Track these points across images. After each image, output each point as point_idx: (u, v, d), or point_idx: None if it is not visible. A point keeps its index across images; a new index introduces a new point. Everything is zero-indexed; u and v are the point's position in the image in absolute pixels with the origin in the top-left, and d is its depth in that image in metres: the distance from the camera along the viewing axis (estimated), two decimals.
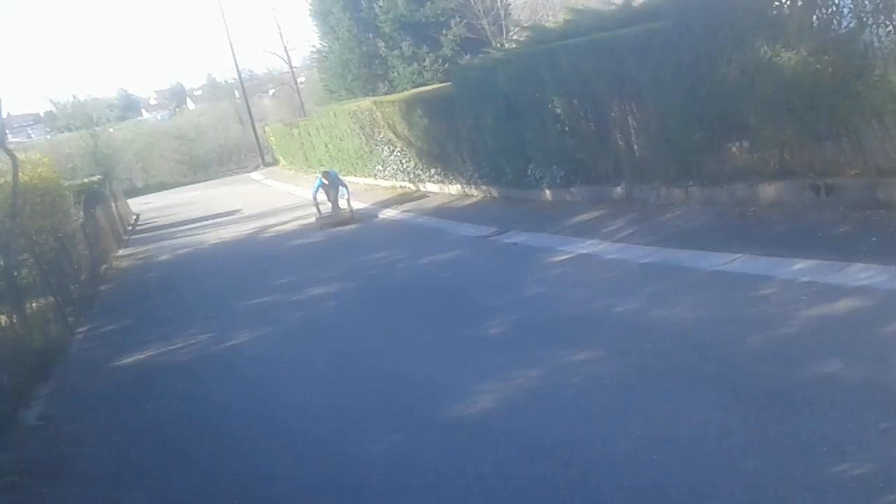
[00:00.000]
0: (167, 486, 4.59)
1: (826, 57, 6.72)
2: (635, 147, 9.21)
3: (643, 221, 8.26)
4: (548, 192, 10.79)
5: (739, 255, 6.19)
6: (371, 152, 17.38)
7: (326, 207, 14.08)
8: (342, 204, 13.97)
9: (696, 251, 6.68)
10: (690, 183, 8.34)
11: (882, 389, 3.54)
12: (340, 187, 14.06)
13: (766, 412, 3.62)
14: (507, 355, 5.37)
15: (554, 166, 10.52)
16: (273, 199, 20.82)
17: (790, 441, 3.32)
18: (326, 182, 13.97)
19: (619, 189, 9.42)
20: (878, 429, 3.23)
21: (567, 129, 10.21)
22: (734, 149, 8.30)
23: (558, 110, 10.15)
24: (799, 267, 5.52)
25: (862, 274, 5.08)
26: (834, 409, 3.47)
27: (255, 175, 32.50)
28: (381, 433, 4.59)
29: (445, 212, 12.43)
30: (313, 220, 13.97)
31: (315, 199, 13.96)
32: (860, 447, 3.13)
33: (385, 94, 19.62)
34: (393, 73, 21.39)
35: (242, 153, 40.97)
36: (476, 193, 12.92)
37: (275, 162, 33.58)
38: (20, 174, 10.79)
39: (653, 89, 8.56)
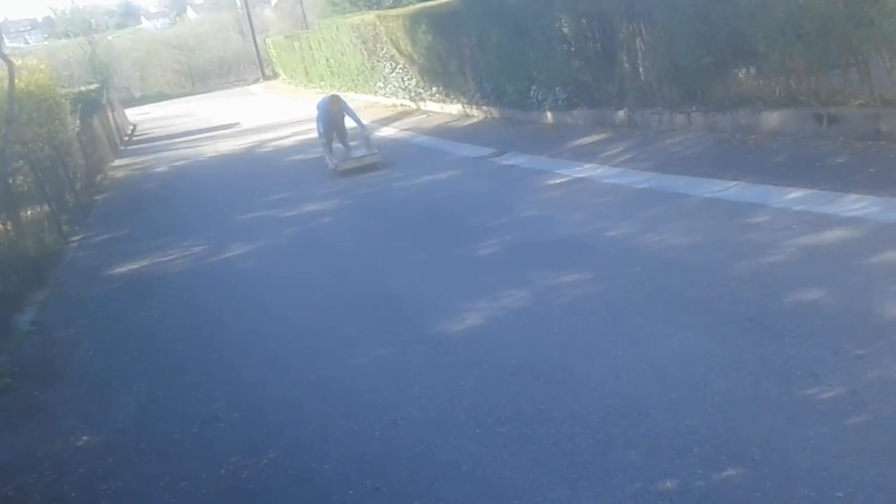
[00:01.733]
0: (157, 392, 4.68)
1: None
2: (641, 70, 9.02)
3: (643, 146, 8.17)
4: (549, 114, 10.64)
5: (736, 182, 6.14)
6: (373, 69, 17.06)
7: (340, 150, 10.94)
8: (357, 144, 10.88)
9: (693, 178, 6.63)
10: (693, 108, 8.22)
11: (861, 318, 3.57)
12: (350, 117, 10.66)
13: (746, 337, 3.66)
14: (497, 275, 5.40)
15: (557, 88, 10.34)
16: (272, 113, 20.55)
17: (766, 365, 3.37)
18: (334, 110, 10.61)
19: (621, 113, 9.28)
20: (853, 355, 3.27)
21: (573, 49, 9.97)
22: (740, 74, 8.15)
23: (565, 30, 9.89)
24: (794, 196, 5.50)
25: (856, 205, 5.06)
26: (812, 336, 3.51)
27: (254, 88, 32.02)
28: (369, 347, 4.65)
29: (445, 131, 12.29)
30: (327, 164, 10.64)
31: (321, 135, 10.63)
32: (833, 372, 3.18)
33: (390, 7, 19.12)
34: None
35: (242, 65, 40.22)
36: (477, 114, 12.75)
37: (275, 75, 33.00)
38: (17, 80, 10.62)
39: (664, 10, 8.33)
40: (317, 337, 5.01)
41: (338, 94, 12.08)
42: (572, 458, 3.04)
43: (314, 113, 11.10)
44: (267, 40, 34.87)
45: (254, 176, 12.02)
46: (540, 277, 5.14)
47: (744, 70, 8.12)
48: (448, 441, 3.41)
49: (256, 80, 35.13)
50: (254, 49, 36.84)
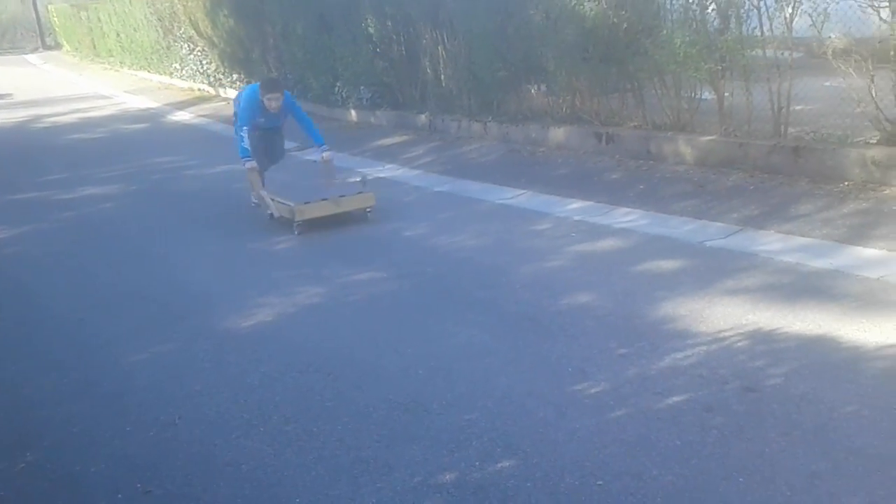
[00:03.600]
0: None
1: (623, 12, 7.12)
2: (442, 77, 9.31)
3: (442, 151, 8.42)
4: (353, 112, 10.65)
5: (524, 191, 6.52)
6: (168, 48, 16.14)
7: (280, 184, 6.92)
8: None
9: (486, 184, 6.95)
10: (490, 118, 8.60)
11: (625, 320, 3.92)
12: (298, 122, 6.70)
13: (525, 336, 3.88)
14: (292, 271, 5.30)
15: (362, 87, 10.38)
16: (51, 86, 18.76)
17: (541, 362, 3.59)
18: (272, 107, 6.27)
19: (423, 117, 9.51)
20: (617, 354, 3.57)
21: (378, 50, 10.07)
22: (533, 90, 8.66)
23: (371, 30, 9.96)
24: (574, 206, 5.93)
25: (626, 217, 5.55)
26: (583, 336, 3.80)
27: (31, 58, 29.04)
28: (149, 342, 4.37)
29: None
30: (254, 203, 6.85)
31: (247, 153, 6.32)
32: (599, 369, 3.45)
33: None
34: None
35: (19, 32, 36.29)
36: None
37: (57, 46, 30.17)
38: None
39: (464, 21, 8.64)
40: (89, 331, 4.63)
41: (277, 78, 7.08)
42: (356, 454, 3.05)
43: (222, 112, 7.79)
44: (49, 7, 31.76)
45: (25, 153, 10.89)
46: (335, 274, 5.12)
47: (536, 86, 8.64)
48: (229, 441, 3.28)
49: (35, 50, 31.91)
50: (34, 15, 33.41)
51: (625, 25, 7.22)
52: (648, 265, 4.63)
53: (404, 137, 9.25)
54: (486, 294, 4.48)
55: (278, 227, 6.35)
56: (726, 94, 6.54)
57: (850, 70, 5.79)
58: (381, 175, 7.80)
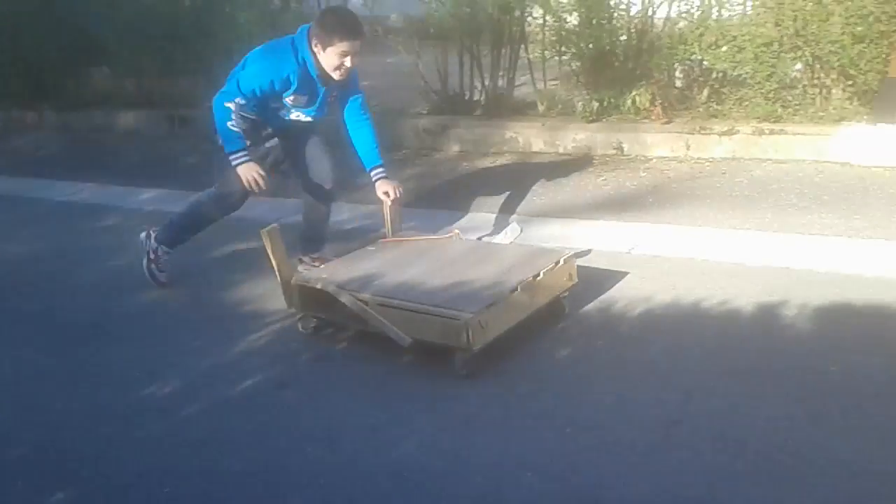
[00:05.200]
0: None
1: None
2: None
3: None
4: None
5: (89, 184, 5.92)
6: None
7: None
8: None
9: (45, 180, 6.20)
10: (46, 106, 7.65)
11: (199, 310, 3.76)
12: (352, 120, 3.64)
13: (86, 346, 3.47)
14: None
15: None
16: None
17: (106, 373, 3.24)
18: (333, 81, 3.40)
19: None
20: (191, 347, 3.38)
21: None
22: (96, 74, 7.94)
23: None
24: (146, 196, 5.54)
25: None
26: (153, 335, 3.52)
27: None
28: None
29: None
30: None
31: (242, 151, 3.42)
32: (171, 367, 3.21)
33: None
34: None
35: None
36: None
37: None
38: None
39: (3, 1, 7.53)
40: None
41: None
42: None
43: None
44: None
45: None
46: None
47: (100, 69, 7.92)
48: None
49: None
50: None
51: (187, 2, 6.92)
52: (225, 249, 4.49)
53: None
54: (38, 306, 3.92)
55: None
56: None
57: (400, 48, 6.28)
58: None
